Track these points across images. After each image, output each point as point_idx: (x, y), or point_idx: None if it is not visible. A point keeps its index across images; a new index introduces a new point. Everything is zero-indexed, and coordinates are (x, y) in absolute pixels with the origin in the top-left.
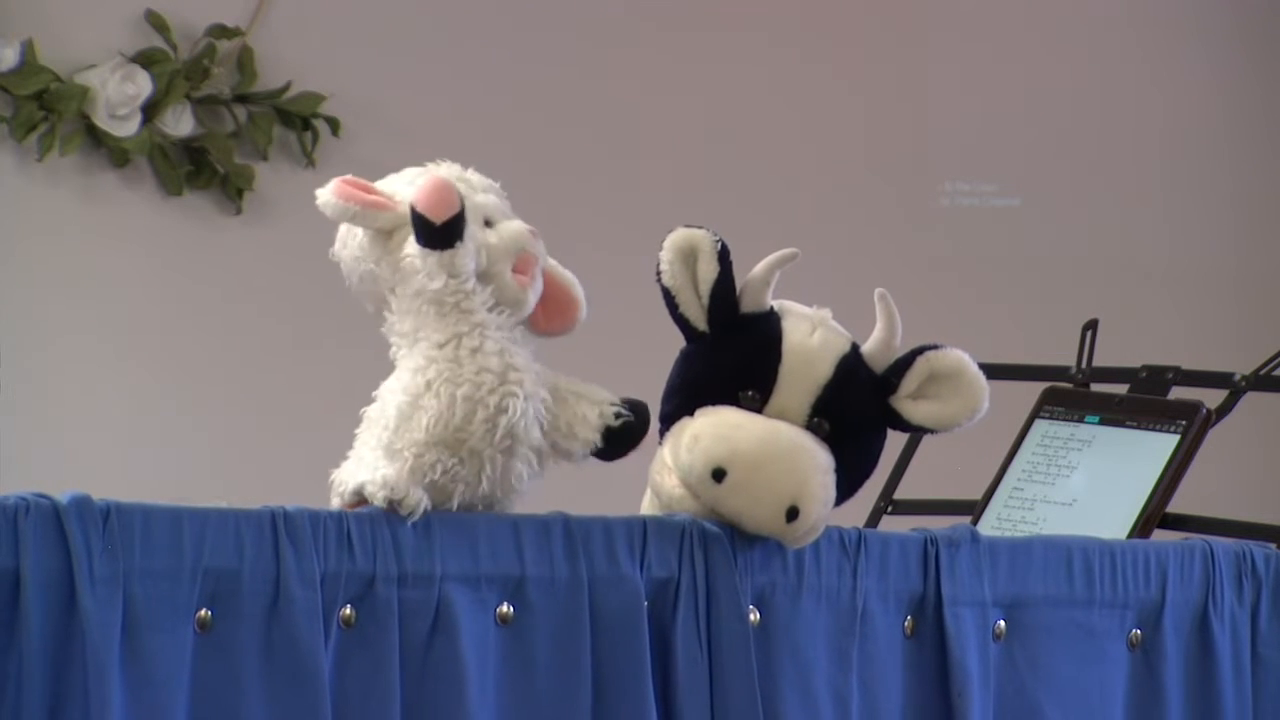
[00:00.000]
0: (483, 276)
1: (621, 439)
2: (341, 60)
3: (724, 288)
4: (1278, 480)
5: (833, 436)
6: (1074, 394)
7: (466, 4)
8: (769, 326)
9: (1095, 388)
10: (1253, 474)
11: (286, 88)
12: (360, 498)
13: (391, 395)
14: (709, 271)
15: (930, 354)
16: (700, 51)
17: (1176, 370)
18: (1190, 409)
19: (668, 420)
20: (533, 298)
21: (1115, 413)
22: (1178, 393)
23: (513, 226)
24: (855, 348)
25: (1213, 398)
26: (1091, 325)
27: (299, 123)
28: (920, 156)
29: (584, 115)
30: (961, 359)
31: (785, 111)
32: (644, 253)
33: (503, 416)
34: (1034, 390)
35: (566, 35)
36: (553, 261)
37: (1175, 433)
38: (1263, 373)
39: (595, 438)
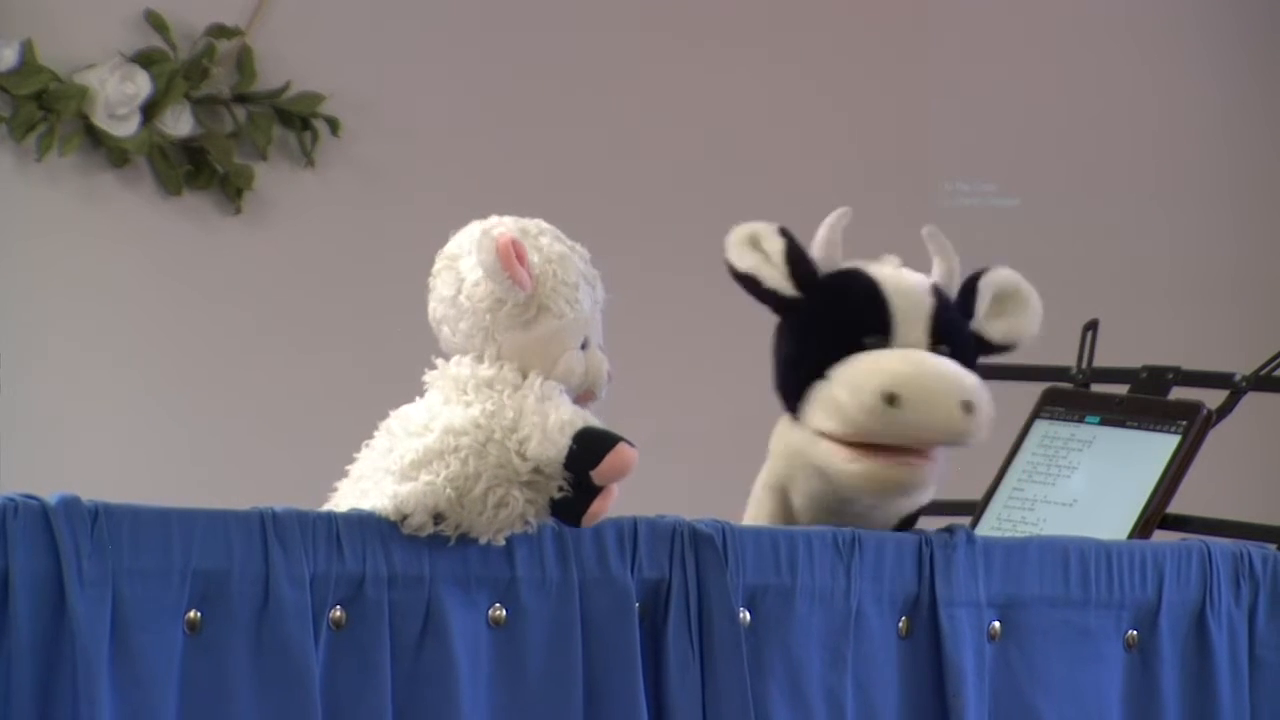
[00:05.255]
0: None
1: (556, 511)
2: (341, 60)
3: (797, 251)
4: (1278, 480)
5: (954, 358)
6: (1074, 394)
7: (466, 4)
8: (860, 275)
9: (1095, 388)
10: (1253, 474)
11: (286, 88)
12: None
13: (430, 427)
14: (776, 244)
15: (986, 276)
16: (699, 53)
17: (1177, 370)
18: (1191, 409)
19: (795, 392)
20: None
21: (1116, 413)
22: (1178, 393)
23: (600, 366)
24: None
25: (1213, 398)
26: (1091, 325)
27: (298, 123)
28: (920, 157)
29: (583, 118)
30: (1012, 274)
31: (784, 112)
32: (644, 254)
33: (503, 510)
34: (1034, 390)
35: (567, 38)
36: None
37: (1176, 433)
38: (1263, 373)
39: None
